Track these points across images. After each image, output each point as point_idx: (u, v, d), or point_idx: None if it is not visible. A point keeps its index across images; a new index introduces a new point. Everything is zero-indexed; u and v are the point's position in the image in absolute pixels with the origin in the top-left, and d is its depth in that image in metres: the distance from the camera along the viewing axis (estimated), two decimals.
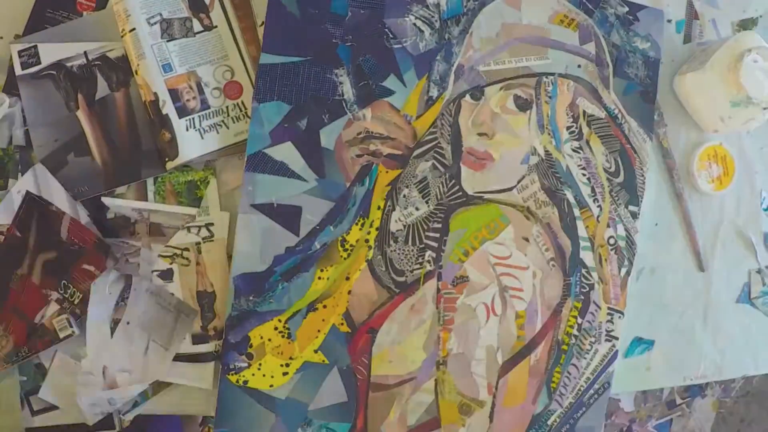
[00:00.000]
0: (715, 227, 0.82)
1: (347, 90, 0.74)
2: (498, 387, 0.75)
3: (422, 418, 0.75)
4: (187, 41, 0.74)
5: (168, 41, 0.74)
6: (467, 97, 0.75)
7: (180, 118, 0.73)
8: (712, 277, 0.82)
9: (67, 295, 0.72)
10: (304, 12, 0.74)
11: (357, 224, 0.74)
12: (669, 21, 0.80)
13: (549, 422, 0.76)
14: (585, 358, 0.76)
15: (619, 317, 0.76)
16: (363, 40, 0.74)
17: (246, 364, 0.73)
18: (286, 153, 0.73)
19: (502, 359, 0.75)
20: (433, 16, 0.75)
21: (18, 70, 0.74)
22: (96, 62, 0.75)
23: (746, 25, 0.83)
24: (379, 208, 0.74)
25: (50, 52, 0.74)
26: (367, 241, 0.74)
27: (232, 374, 0.73)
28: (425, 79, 0.75)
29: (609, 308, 0.76)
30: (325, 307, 0.74)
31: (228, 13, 0.76)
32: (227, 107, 0.75)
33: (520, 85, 0.75)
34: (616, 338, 0.76)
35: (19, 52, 0.74)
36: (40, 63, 0.74)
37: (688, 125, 0.81)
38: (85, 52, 0.75)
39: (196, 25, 0.75)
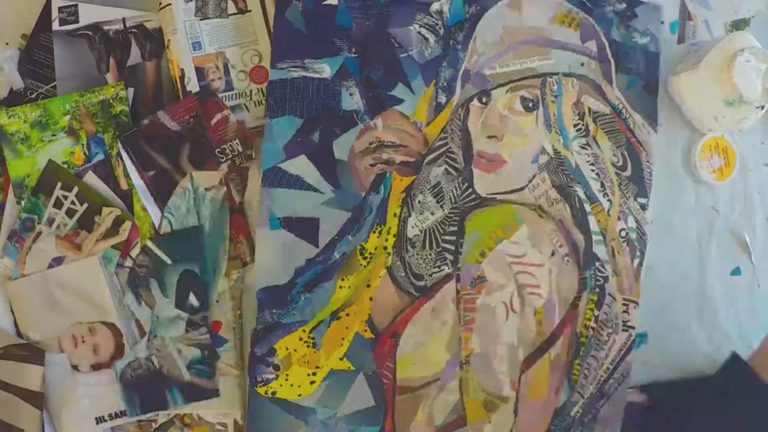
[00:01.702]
0: (710, 223, 0.83)
1: (357, 101, 0.75)
2: (521, 382, 0.77)
3: (449, 418, 0.77)
4: (220, 22, 0.75)
5: (201, 20, 0.75)
6: (475, 101, 0.76)
7: None
8: (707, 274, 0.83)
9: (230, 155, 0.75)
10: (309, 26, 0.75)
11: (374, 232, 0.75)
12: (662, 22, 0.81)
13: (572, 413, 0.78)
14: (603, 349, 0.78)
15: (634, 307, 0.78)
16: (369, 50, 0.75)
17: (273, 376, 0.75)
18: (301, 166, 0.74)
19: (523, 355, 0.77)
20: (437, 24, 0.77)
21: (55, 26, 0.75)
22: (132, 30, 0.76)
23: (738, 25, 0.84)
24: (395, 215, 0.75)
25: (89, 13, 0.76)
26: (385, 248, 0.75)
27: (261, 386, 0.75)
28: (433, 85, 0.76)
29: (624, 299, 0.78)
30: (348, 315, 0.75)
31: None
32: (251, 91, 0.76)
33: (526, 86, 0.77)
34: (633, 328, 0.78)
35: (60, 8, 0.75)
36: (78, 22, 0.76)
37: (683, 125, 0.82)
38: (123, 19, 0.76)
39: (231, 7, 0.76)
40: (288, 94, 0.74)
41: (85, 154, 0.75)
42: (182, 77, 0.74)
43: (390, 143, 0.75)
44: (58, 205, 0.74)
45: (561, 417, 0.78)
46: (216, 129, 0.74)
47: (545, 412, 0.78)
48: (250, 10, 0.77)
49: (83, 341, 0.74)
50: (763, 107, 0.75)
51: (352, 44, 0.75)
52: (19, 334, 0.74)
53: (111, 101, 0.75)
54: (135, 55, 0.77)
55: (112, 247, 0.74)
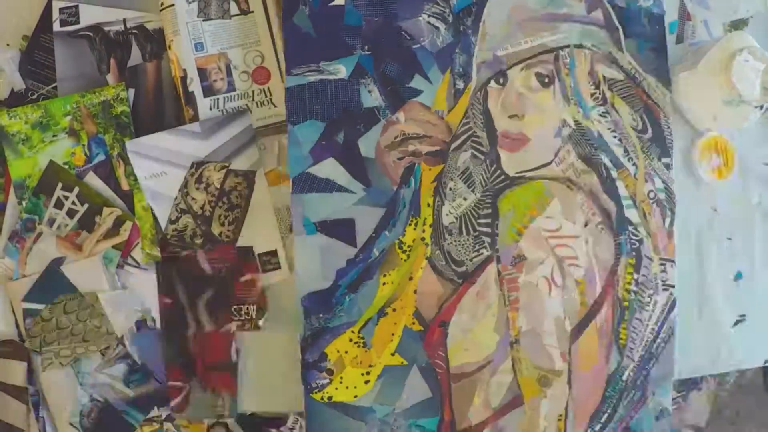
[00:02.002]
0: (709, 222, 0.83)
1: (376, 97, 0.75)
2: (571, 354, 0.78)
3: (505, 398, 0.77)
4: (222, 23, 0.76)
5: (204, 20, 0.75)
6: (492, 83, 0.77)
7: (205, 97, 0.75)
8: (706, 274, 0.83)
9: (243, 317, 0.74)
10: (318, 29, 0.75)
11: (411, 225, 0.75)
12: None
13: (624, 378, 0.79)
14: (647, 311, 0.79)
15: (671, 266, 0.79)
16: (382, 46, 0.76)
17: (327, 380, 0.75)
18: (330, 169, 0.74)
19: (570, 327, 0.78)
20: (444, 11, 0.77)
21: (56, 27, 0.75)
22: (133, 31, 0.77)
23: (737, 25, 0.84)
24: (428, 205, 0.76)
25: (90, 14, 0.76)
26: (423, 239, 0.75)
27: (316, 392, 0.75)
28: (449, 73, 0.76)
29: (661, 259, 0.79)
30: (394, 310, 0.75)
31: (266, 0, 0.77)
32: (253, 91, 0.76)
33: (540, 62, 0.77)
34: (673, 286, 0.79)
35: (60, 9, 0.76)
36: (78, 23, 0.76)
37: (682, 123, 0.82)
38: (124, 20, 0.77)
39: (233, 8, 0.76)
40: (307, 99, 0.74)
41: (86, 154, 0.75)
42: (184, 78, 0.74)
43: (415, 135, 0.75)
44: (59, 205, 0.74)
45: (614, 383, 0.79)
46: (242, 287, 0.75)
47: (598, 380, 0.79)
48: (252, 11, 0.77)
49: None
50: (762, 107, 0.76)
51: (363, 42, 0.76)
52: (20, 334, 0.74)
53: (112, 102, 0.75)
54: (136, 56, 0.77)
55: (113, 247, 0.74)
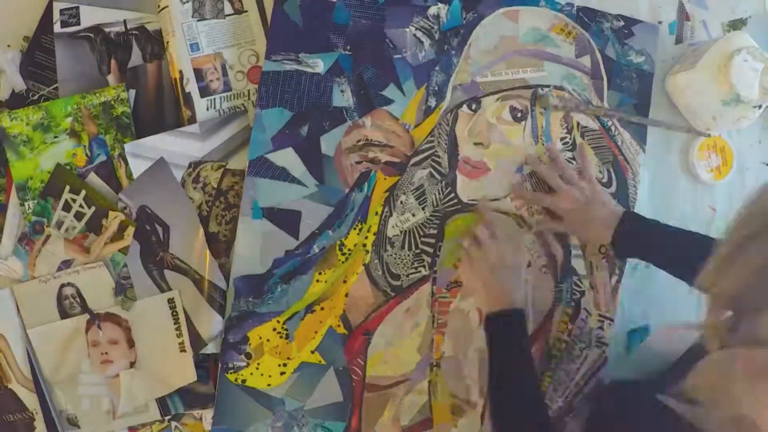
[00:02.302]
0: (707, 222, 0.83)
1: (348, 98, 0.76)
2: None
3: (415, 419, 0.77)
4: (217, 23, 0.76)
5: (198, 21, 0.76)
6: (464, 107, 0.77)
7: (202, 97, 0.75)
8: None
9: None
10: (306, 21, 0.76)
11: (355, 229, 0.76)
12: (660, 23, 0.82)
13: None
14: (575, 363, 0.78)
15: (609, 324, 0.78)
16: (364, 49, 0.76)
17: (245, 364, 0.75)
18: (287, 158, 0.75)
19: None
20: (432, 28, 0.77)
21: (57, 28, 0.76)
22: (133, 32, 0.77)
23: (736, 25, 0.84)
24: (376, 213, 0.76)
25: (90, 15, 0.77)
26: (364, 245, 0.76)
27: (231, 373, 0.75)
28: (424, 89, 0.77)
29: (600, 315, 0.78)
30: (322, 309, 0.76)
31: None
32: (249, 91, 0.77)
33: (516, 96, 0.77)
34: (606, 345, 0.78)
35: (61, 10, 0.76)
36: (79, 24, 0.77)
37: (681, 122, 0.81)
38: (124, 21, 0.77)
39: (227, 8, 0.77)
40: (280, 86, 0.75)
41: (87, 155, 0.76)
42: (181, 78, 0.75)
43: (377, 142, 0.76)
44: (66, 208, 0.75)
45: None
46: None
47: None
48: (246, 11, 0.77)
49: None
50: (760, 106, 0.75)
51: (347, 42, 0.76)
52: (27, 336, 0.75)
53: (112, 103, 0.76)
54: (136, 57, 0.77)
55: (119, 250, 0.75)
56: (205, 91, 0.75)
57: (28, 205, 0.75)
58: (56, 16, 0.76)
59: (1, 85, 0.76)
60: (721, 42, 0.76)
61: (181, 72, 0.75)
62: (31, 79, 0.77)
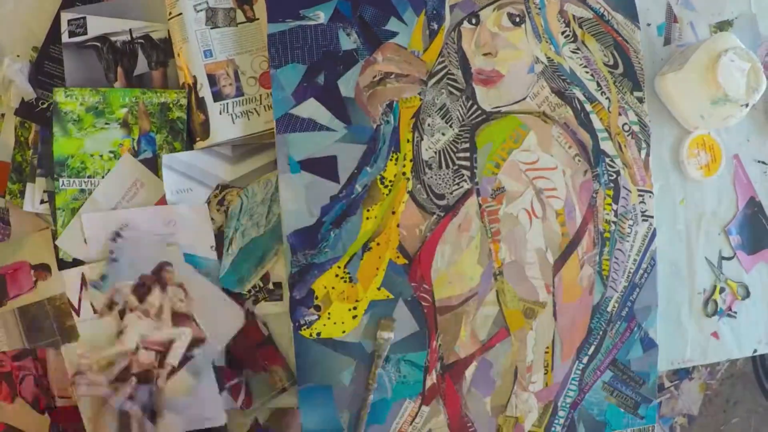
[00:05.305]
0: (698, 218, 0.85)
1: (355, 40, 0.78)
2: (555, 285, 0.79)
3: (492, 331, 0.78)
4: (230, 30, 0.79)
5: (211, 28, 0.78)
6: (465, 23, 0.80)
7: (215, 101, 0.77)
8: (696, 265, 0.85)
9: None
10: None
11: (391, 160, 0.78)
12: (649, 24, 0.85)
13: (609, 309, 0.80)
14: (627, 241, 0.80)
15: (650, 196, 0.81)
16: None
17: (316, 317, 0.76)
18: (312, 109, 0.77)
19: (552, 258, 0.79)
20: None
21: (65, 38, 0.78)
22: (139, 40, 0.79)
23: (722, 26, 0.87)
24: (408, 140, 0.78)
25: (97, 25, 0.79)
26: (404, 173, 0.78)
27: (305, 329, 0.76)
28: (423, 15, 0.79)
29: (639, 190, 0.81)
30: (378, 244, 0.77)
31: None
32: (260, 96, 0.79)
33: (511, 2, 0.80)
34: (652, 216, 0.81)
35: (69, 21, 0.78)
36: (86, 34, 0.78)
37: (671, 123, 0.85)
38: (130, 30, 0.79)
39: (239, 16, 0.79)
40: (288, 44, 0.77)
41: (134, 148, 0.77)
42: (194, 83, 0.77)
43: (392, 74, 0.78)
44: None
45: (599, 314, 0.80)
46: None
47: (583, 311, 0.80)
48: (257, 19, 0.80)
49: None
50: (747, 105, 0.78)
51: None
52: None
53: (171, 105, 0.77)
54: (142, 65, 0.79)
55: None
56: (218, 96, 0.77)
57: (63, 181, 0.76)
58: (64, 26, 0.78)
59: (11, 94, 0.78)
60: (709, 43, 0.78)
61: (194, 77, 0.77)
62: (41, 88, 0.79)
